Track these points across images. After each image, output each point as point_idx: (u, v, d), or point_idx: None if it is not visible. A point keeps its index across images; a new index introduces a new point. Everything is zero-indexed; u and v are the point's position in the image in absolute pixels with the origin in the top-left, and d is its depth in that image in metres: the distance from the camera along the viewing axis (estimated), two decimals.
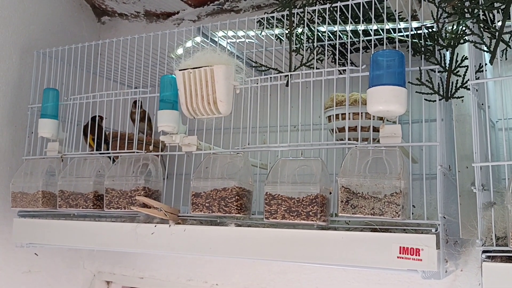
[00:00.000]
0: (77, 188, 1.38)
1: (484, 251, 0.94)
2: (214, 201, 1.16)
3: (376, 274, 1.49)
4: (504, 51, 1.24)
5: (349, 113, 1.33)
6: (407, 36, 1.16)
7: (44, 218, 1.48)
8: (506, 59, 1.27)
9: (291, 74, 1.22)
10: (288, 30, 1.23)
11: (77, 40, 1.75)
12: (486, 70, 1.05)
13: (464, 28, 0.97)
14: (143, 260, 1.92)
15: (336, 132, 1.41)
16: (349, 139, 1.35)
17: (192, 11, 2.02)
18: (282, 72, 1.24)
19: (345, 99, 1.33)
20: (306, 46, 1.31)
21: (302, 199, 1.06)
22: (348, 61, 1.23)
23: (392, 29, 1.26)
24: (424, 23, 1.11)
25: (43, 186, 1.44)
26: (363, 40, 1.29)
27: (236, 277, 1.73)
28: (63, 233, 1.41)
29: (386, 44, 1.25)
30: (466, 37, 0.99)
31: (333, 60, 1.50)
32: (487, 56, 1.24)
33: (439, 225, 1.00)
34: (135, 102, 1.62)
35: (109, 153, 1.45)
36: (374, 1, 1.18)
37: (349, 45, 1.22)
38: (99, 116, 1.53)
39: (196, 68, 1.25)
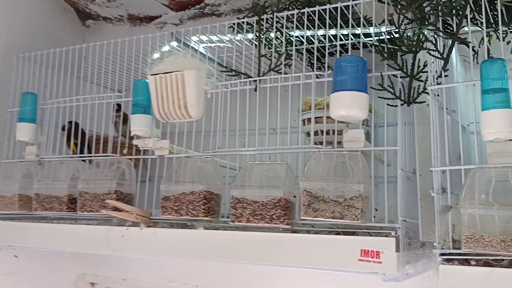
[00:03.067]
0: (52, 191, 1.40)
1: (441, 254, 0.96)
2: (183, 204, 1.18)
3: (351, 276, 1.51)
4: (475, 55, 1.26)
5: (319, 117, 1.35)
6: (374, 41, 1.17)
7: (22, 221, 1.49)
8: (477, 63, 1.29)
9: (259, 79, 1.23)
10: (257, 36, 1.25)
11: (61, 44, 1.75)
12: (447, 76, 1.07)
13: (421, 36, 0.98)
14: (126, 262, 1.94)
15: (311, 136, 1.43)
16: (320, 143, 1.38)
17: (174, 15, 2.04)
18: (251, 77, 1.25)
19: (318, 103, 1.35)
20: (280, 50, 1.32)
21: (266, 203, 1.08)
22: (315, 67, 1.25)
23: (360, 34, 1.27)
24: (387, 29, 1.13)
25: (20, 190, 1.46)
26: (330, 45, 1.31)
27: (217, 279, 1.74)
28: (39, 236, 1.43)
29: (356, 48, 1.27)
30: (425, 44, 1.01)
31: (308, 64, 1.52)
32: (455, 61, 1.26)
33: (398, 228, 1.02)
34: (118, 106, 1.63)
35: (83, 156, 1.46)
36: (341, 7, 1.19)
37: (315, 50, 1.24)
38: (69, 122, 1.54)
39: (167, 73, 1.26)
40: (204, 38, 1.42)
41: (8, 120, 1.63)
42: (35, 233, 1.44)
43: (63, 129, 1.57)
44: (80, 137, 1.54)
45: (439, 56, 0.95)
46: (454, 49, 1.05)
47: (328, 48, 1.33)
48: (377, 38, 1.21)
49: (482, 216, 0.90)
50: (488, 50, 1.31)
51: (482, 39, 1.21)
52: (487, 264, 0.90)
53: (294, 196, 1.10)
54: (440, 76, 1.04)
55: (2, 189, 1.51)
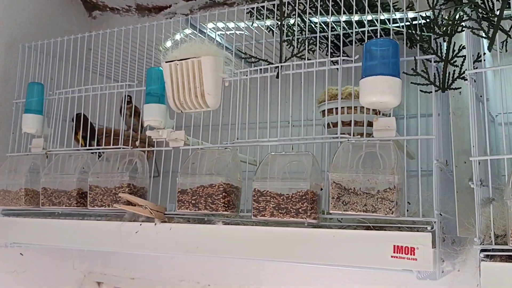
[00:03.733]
0: (60, 186, 1.33)
1: (482, 250, 0.89)
2: (201, 198, 1.11)
3: (372, 274, 1.44)
4: (504, 42, 1.19)
5: (342, 108, 1.28)
6: (403, 26, 1.11)
7: (28, 217, 1.42)
8: (506, 51, 1.22)
9: (281, 66, 1.16)
10: (279, 20, 1.18)
11: (67, 34, 1.69)
12: (484, 60, 1.00)
13: (461, 15, 0.91)
14: (134, 260, 1.87)
15: (330, 127, 1.36)
16: (343, 134, 1.31)
17: (184, 5, 1.97)
18: (272, 64, 1.18)
19: (342, 92, 1.28)
20: (299, 38, 1.26)
21: (291, 196, 1.01)
22: (341, 52, 1.18)
23: (387, 19, 1.21)
24: (420, 13, 1.06)
25: (26, 184, 1.39)
26: (357, 32, 1.24)
27: (229, 278, 1.67)
28: (46, 233, 1.36)
29: (381, 35, 1.20)
30: (463, 24, 0.94)
31: (328, 53, 1.45)
32: (486, 46, 1.19)
33: (435, 222, 0.95)
34: (129, 97, 1.57)
35: (94, 149, 1.40)
36: None
37: (341, 36, 1.17)
38: (77, 113, 1.47)
39: (183, 59, 1.20)
40: (220, 25, 1.35)
41: (13, 111, 1.56)
42: (43, 230, 1.37)
43: (73, 120, 1.50)
44: (84, 128, 1.46)
45: (485, 36, 0.89)
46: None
47: (353, 35, 1.26)
48: (408, 23, 1.14)
49: None
50: None
51: None
52: None
53: (321, 189, 1.04)
54: (478, 59, 0.97)
55: (7, 184, 1.44)
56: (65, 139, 1.51)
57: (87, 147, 1.42)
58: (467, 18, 0.89)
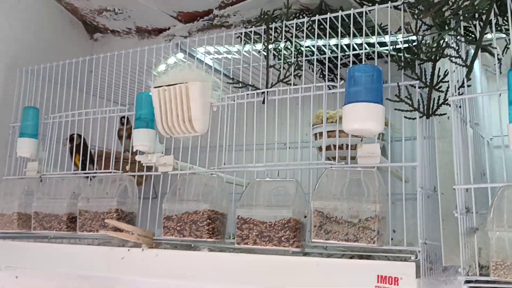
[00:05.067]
0: (52, 210, 1.33)
1: (466, 281, 0.87)
2: (186, 224, 1.10)
3: None
4: (499, 64, 1.17)
5: (333, 131, 1.27)
6: (389, 49, 1.10)
7: (21, 240, 1.43)
8: (501, 72, 1.20)
9: (267, 91, 1.16)
10: (265, 45, 1.18)
11: (69, 57, 1.72)
12: (470, 86, 0.98)
13: (441, 43, 0.90)
14: (134, 283, 1.86)
15: (323, 150, 1.35)
16: (333, 158, 1.30)
17: (182, 27, 1.99)
18: (258, 89, 1.18)
19: (331, 116, 1.28)
20: (289, 61, 1.25)
21: (274, 224, 1.00)
22: (326, 79, 1.17)
23: (375, 42, 1.20)
24: (404, 37, 1.05)
25: (19, 208, 1.40)
26: (343, 55, 1.23)
27: None
28: (38, 256, 1.37)
29: (369, 58, 1.20)
30: (445, 51, 0.93)
31: (320, 76, 1.45)
32: (477, 70, 1.18)
33: (419, 251, 0.93)
34: (122, 119, 1.59)
35: (84, 173, 1.40)
36: (354, 14, 1.12)
37: (327, 60, 1.16)
38: (77, 134, 1.49)
39: (171, 85, 1.20)
40: (211, 49, 1.35)
41: (10, 135, 1.58)
42: (34, 253, 1.37)
43: (68, 140, 1.51)
44: (83, 152, 1.48)
45: (462, 64, 0.87)
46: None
47: (341, 58, 1.26)
48: (393, 47, 1.14)
49: None
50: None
51: (506, 46, 1.13)
52: None
53: (305, 216, 1.02)
54: (462, 85, 0.96)
55: (2, 207, 1.45)
56: (59, 161, 1.52)
57: (80, 171, 1.43)
58: (446, 46, 0.88)
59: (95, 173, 1.37)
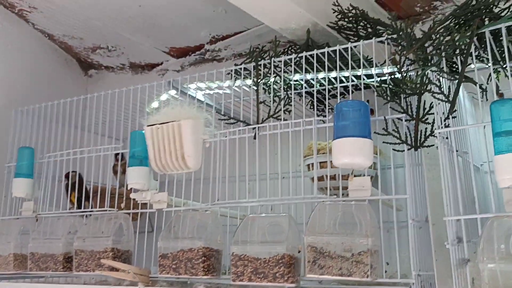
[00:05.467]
0: (48, 250, 1.34)
1: None
2: (181, 262, 1.11)
3: None
4: (484, 93, 1.20)
5: (325, 162, 1.29)
6: (376, 81, 1.12)
7: (18, 281, 1.43)
8: (486, 99, 1.23)
9: (258, 127, 1.18)
10: (255, 82, 1.21)
11: (64, 94, 1.73)
12: (455, 117, 1.00)
13: (423, 79, 0.93)
14: None
15: (315, 182, 1.37)
16: (327, 188, 1.31)
17: (175, 62, 2.02)
18: (250, 124, 1.20)
19: (321, 147, 1.30)
20: (279, 95, 1.28)
21: (268, 260, 1.01)
22: (315, 110, 1.19)
23: (361, 75, 1.23)
24: (389, 70, 1.08)
25: (15, 249, 1.40)
26: (331, 88, 1.26)
27: None
28: None
29: (358, 89, 1.22)
30: (429, 85, 0.95)
31: (310, 107, 1.47)
32: (462, 98, 1.20)
33: (413, 283, 0.94)
34: (117, 155, 1.60)
35: (80, 212, 1.41)
36: (340, 49, 1.15)
37: (315, 93, 1.19)
38: (73, 171, 1.50)
39: (163, 123, 1.22)
40: (202, 85, 1.38)
41: (5, 175, 1.59)
42: None
43: (65, 177, 1.52)
44: (79, 189, 1.49)
45: (445, 100, 0.90)
46: (460, 87, 1.00)
47: (329, 91, 1.29)
48: (379, 78, 1.16)
49: (504, 272, 0.82)
50: (497, 86, 1.26)
51: (490, 76, 1.16)
52: None
53: (299, 251, 1.03)
54: (448, 117, 0.98)
55: None
56: (55, 200, 1.52)
57: (75, 210, 1.43)
58: (429, 81, 0.91)
59: (91, 211, 1.37)
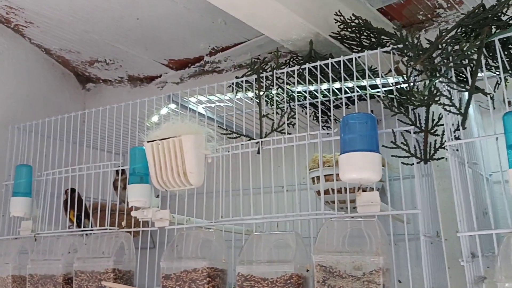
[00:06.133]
0: (47, 271, 1.30)
1: None
2: (185, 284, 1.07)
3: None
4: (491, 100, 1.17)
5: (331, 175, 1.26)
6: (382, 92, 1.09)
7: None
8: (494, 108, 1.20)
9: (261, 141, 1.15)
10: (257, 95, 1.18)
11: (62, 109, 1.70)
12: (465, 128, 0.97)
13: (432, 89, 0.90)
14: None
15: (321, 196, 1.33)
16: (332, 202, 1.27)
17: (174, 74, 2.00)
18: (253, 139, 1.17)
19: (327, 160, 1.26)
20: (282, 107, 1.25)
21: (276, 280, 0.97)
22: (320, 126, 1.16)
23: (367, 86, 1.20)
24: (396, 80, 1.05)
25: (14, 270, 1.37)
26: (336, 99, 1.23)
27: None
28: None
29: (363, 100, 1.19)
30: (438, 97, 0.92)
31: (314, 119, 1.44)
32: (470, 111, 1.17)
33: None
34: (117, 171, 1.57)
35: (80, 231, 1.37)
36: (344, 60, 1.12)
37: (319, 104, 1.16)
38: (71, 188, 1.47)
39: (164, 139, 1.19)
40: (202, 98, 1.35)
41: (3, 193, 1.55)
42: None
43: (65, 194, 1.49)
44: (78, 208, 1.45)
45: (456, 112, 0.87)
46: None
47: (333, 102, 1.25)
48: (385, 89, 1.13)
49: None
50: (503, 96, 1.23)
51: (497, 83, 1.13)
52: None
53: (307, 270, 0.99)
54: (458, 129, 0.95)
55: None
56: (53, 218, 1.49)
57: (75, 229, 1.40)
58: (438, 93, 0.88)
59: (91, 230, 1.34)
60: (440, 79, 0.91)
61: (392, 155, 1.01)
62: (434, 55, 0.94)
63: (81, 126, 1.59)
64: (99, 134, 1.54)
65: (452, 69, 0.92)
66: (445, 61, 0.90)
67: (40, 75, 1.96)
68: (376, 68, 1.18)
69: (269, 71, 1.20)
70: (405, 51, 0.98)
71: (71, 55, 1.96)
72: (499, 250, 0.82)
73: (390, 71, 1.14)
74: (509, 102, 1.26)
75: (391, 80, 1.14)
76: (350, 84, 1.24)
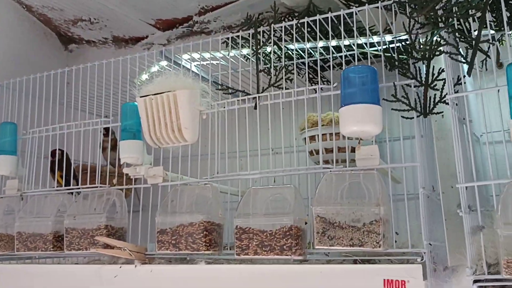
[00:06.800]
0: (36, 229, 1.27)
1: (475, 281, 0.85)
2: (181, 238, 1.06)
3: None
4: (484, 61, 1.17)
5: (324, 134, 1.26)
6: (381, 50, 1.08)
7: (4, 262, 1.36)
8: (486, 69, 1.20)
9: (259, 96, 1.13)
10: (254, 50, 1.16)
11: (43, 70, 1.65)
12: (465, 83, 0.98)
13: (438, 39, 0.89)
14: None
15: (313, 155, 1.33)
16: (327, 162, 1.27)
17: (161, 35, 1.95)
18: (250, 94, 1.15)
19: (322, 119, 1.26)
20: (277, 65, 1.23)
21: (275, 232, 0.97)
22: (319, 81, 1.15)
23: (365, 43, 1.19)
24: (397, 36, 1.04)
25: (0, 229, 1.33)
26: (335, 57, 1.22)
27: None
28: (23, 278, 1.30)
29: (359, 59, 1.18)
30: (441, 48, 0.92)
31: (306, 80, 1.43)
32: (465, 68, 1.17)
33: (424, 253, 0.91)
34: (106, 129, 1.53)
35: (70, 189, 1.34)
36: (343, 15, 1.11)
37: (318, 62, 1.14)
38: (59, 149, 1.43)
39: (157, 94, 1.16)
40: (196, 55, 1.32)
41: None
42: (19, 276, 1.31)
43: (51, 156, 1.45)
44: (66, 168, 1.42)
45: (463, 61, 0.86)
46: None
47: (333, 60, 1.24)
48: (385, 47, 1.12)
49: None
50: (498, 54, 1.23)
51: (497, 41, 1.14)
52: None
53: (306, 223, 1.00)
54: (458, 83, 0.95)
55: None
56: (41, 178, 1.45)
57: (63, 187, 1.37)
58: (444, 43, 0.87)
59: (81, 188, 1.31)
60: (445, 30, 0.90)
61: (392, 109, 1.01)
62: (437, 7, 0.93)
63: (67, 88, 1.54)
64: (87, 95, 1.49)
65: (456, 21, 0.91)
66: (449, 12, 0.89)
67: (20, 33, 1.88)
68: (372, 26, 1.17)
69: (266, 26, 1.18)
70: (408, 4, 0.97)
71: (54, 13, 1.88)
72: (499, 199, 0.83)
73: (386, 29, 1.14)
74: (500, 63, 1.27)
75: (389, 37, 1.13)
76: (347, 42, 1.22)
